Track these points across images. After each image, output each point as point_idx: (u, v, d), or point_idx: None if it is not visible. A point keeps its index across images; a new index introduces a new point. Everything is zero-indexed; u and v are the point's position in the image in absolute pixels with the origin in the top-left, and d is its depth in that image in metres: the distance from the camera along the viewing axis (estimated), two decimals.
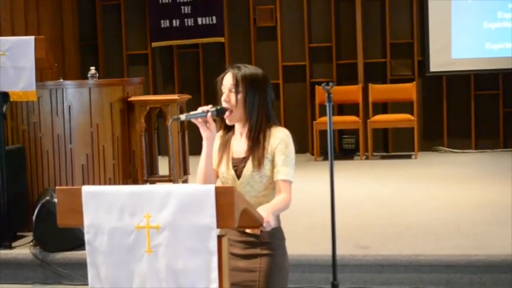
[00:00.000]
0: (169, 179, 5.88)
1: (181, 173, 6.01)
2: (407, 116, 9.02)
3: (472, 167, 8.19)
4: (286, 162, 2.78)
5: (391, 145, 9.57)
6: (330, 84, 4.06)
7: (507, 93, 9.26)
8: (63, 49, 9.62)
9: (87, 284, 2.23)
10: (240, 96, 2.79)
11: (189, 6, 9.75)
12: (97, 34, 10.17)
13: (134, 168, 5.95)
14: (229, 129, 2.92)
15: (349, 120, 9.11)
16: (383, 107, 9.50)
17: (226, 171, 2.86)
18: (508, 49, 9.10)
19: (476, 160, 8.71)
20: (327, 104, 4.09)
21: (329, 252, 4.13)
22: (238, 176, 2.83)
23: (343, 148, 9.49)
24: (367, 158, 9.05)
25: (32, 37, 5.43)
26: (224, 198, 2.05)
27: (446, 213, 5.86)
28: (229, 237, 2.80)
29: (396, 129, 9.41)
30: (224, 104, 2.82)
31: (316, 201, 5.87)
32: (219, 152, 2.89)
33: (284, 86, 9.71)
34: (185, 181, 6.11)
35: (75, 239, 5.03)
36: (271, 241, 2.82)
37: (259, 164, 2.78)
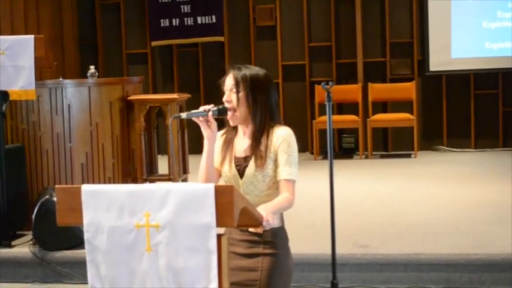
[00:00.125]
0: (168, 177, 5.87)
1: (180, 172, 6.01)
2: (406, 115, 9.02)
3: (472, 166, 8.19)
4: (289, 161, 2.77)
5: (390, 144, 9.56)
6: (330, 83, 4.06)
7: (507, 93, 9.27)
8: (63, 48, 9.62)
9: (86, 283, 2.23)
10: (241, 96, 2.79)
11: (189, 6, 9.74)
12: (97, 33, 10.16)
13: (134, 167, 5.95)
14: (233, 128, 2.91)
15: (348, 119, 9.10)
16: (383, 106, 9.50)
17: (229, 171, 2.85)
18: (507, 48, 9.10)
19: (476, 159, 8.71)
20: (327, 103, 4.09)
21: (329, 251, 4.13)
22: (241, 175, 2.82)
23: (342, 147, 9.49)
24: (366, 157, 9.05)
25: (32, 36, 5.43)
26: (224, 197, 2.05)
27: (445, 212, 5.86)
28: (233, 236, 2.81)
29: (396, 129, 9.41)
30: (226, 105, 2.81)
31: (316, 200, 5.86)
32: (221, 151, 2.89)
33: (284, 85, 9.70)
34: (185, 180, 6.11)
35: (74, 238, 5.03)
36: (274, 240, 2.81)
37: (261, 163, 2.78)
